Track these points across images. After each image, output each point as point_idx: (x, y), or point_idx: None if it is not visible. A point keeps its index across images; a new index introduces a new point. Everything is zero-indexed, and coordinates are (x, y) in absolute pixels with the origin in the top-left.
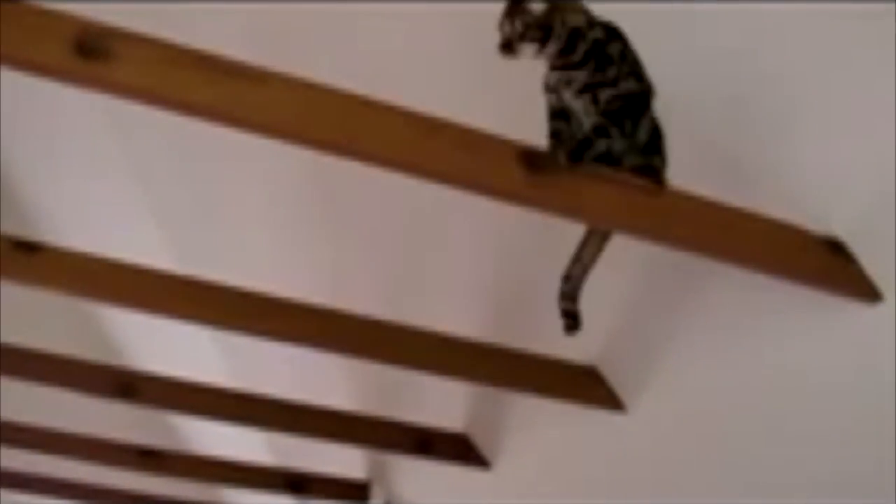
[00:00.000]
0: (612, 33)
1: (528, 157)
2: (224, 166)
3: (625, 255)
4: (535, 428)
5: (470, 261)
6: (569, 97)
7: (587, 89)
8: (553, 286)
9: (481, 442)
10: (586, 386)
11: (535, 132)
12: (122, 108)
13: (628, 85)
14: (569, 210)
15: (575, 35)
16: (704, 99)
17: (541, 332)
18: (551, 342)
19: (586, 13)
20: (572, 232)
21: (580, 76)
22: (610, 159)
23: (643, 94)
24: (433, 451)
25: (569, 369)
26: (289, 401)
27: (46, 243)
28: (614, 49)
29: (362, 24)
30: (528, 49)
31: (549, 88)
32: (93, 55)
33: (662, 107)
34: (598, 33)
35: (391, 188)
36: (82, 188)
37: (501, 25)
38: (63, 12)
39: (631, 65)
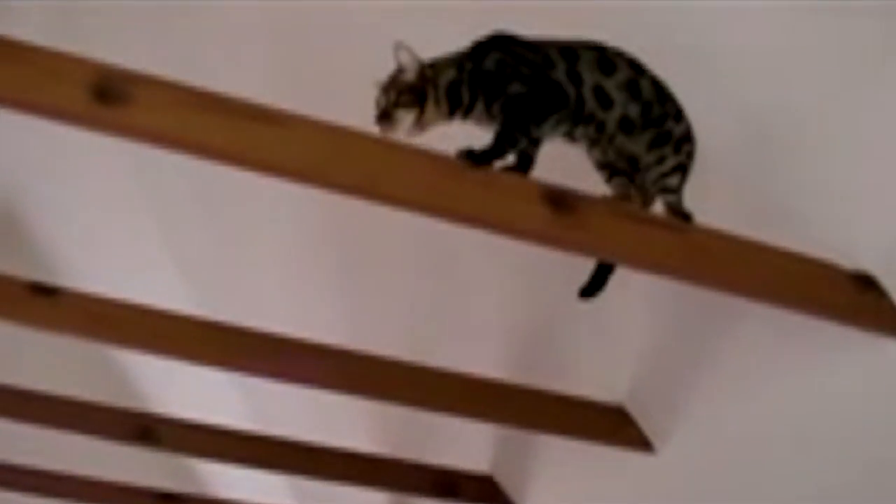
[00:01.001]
0: (480, 51)
1: (553, 197)
2: (243, 208)
3: (652, 292)
4: (563, 469)
5: (494, 301)
6: (489, 128)
7: (488, 112)
8: (578, 325)
9: (508, 484)
10: (615, 426)
11: (557, 172)
12: (141, 150)
13: (514, 88)
14: (595, 249)
15: (454, 87)
16: (731, 137)
17: (567, 371)
18: (578, 382)
19: (456, 60)
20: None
21: (479, 111)
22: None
23: (537, 91)
24: (458, 493)
25: (597, 409)
26: (309, 443)
27: (64, 287)
28: (490, 63)
29: (383, 67)
30: (405, 116)
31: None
32: (111, 99)
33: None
34: (468, 66)
35: (412, 228)
36: (100, 230)
37: (377, 100)
38: (81, 56)
39: (513, 68)
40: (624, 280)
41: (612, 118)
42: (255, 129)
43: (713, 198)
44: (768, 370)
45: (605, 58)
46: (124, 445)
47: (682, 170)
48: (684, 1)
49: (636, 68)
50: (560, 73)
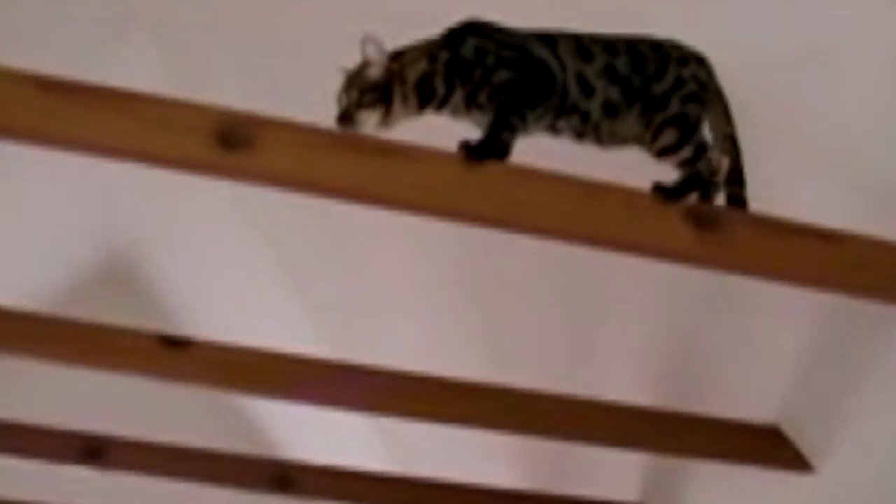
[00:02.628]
0: (455, 39)
1: (696, 215)
2: (368, 245)
3: (801, 304)
4: (718, 495)
5: (636, 325)
6: (467, 119)
7: (468, 104)
8: (727, 344)
9: None
10: (770, 447)
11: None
12: (262, 194)
13: (502, 75)
14: (742, 267)
15: (426, 79)
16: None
17: (716, 393)
18: (728, 404)
19: (426, 49)
20: (742, 285)
21: (455, 102)
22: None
23: (526, 75)
24: None
25: (750, 431)
26: (451, 481)
27: (193, 338)
28: (468, 50)
29: None
30: (368, 117)
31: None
32: (236, 145)
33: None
34: (443, 55)
35: (543, 254)
36: (225, 279)
37: (339, 99)
38: (202, 103)
39: (495, 54)
40: (771, 294)
41: (595, 106)
42: (383, 165)
43: (856, 201)
44: None
45: (582, 45)
46: (262, 495)
47: (677, 123)
48: None
49: (610, 50)
50: (544, 55)
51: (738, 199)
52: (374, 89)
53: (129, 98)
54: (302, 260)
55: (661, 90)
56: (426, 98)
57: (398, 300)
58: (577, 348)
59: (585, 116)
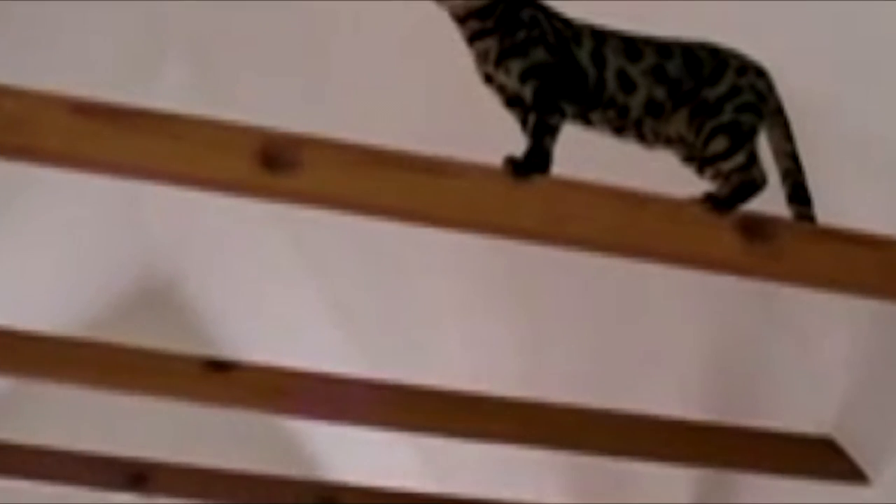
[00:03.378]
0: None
1: (747, 225)
2: (410, 262)
3: (853, 313)
4: None
5: (683, 336)
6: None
7: (496, 60)
8: (778, 354)
9: None
10: (823, 459)
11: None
12: (303, 215)
13: (539, 54)
14: (793, 277)
15: (489, 8)
16: None
17: (768, 405)
18: (781, 415)
19: None
20: (792, 294)
21: (486, 45)
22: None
23: (560, 66)
24: None
25: (802, 443)
26: (494, 499)
27: (237, 361)
28: (525, 14)
29: None
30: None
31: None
32: (279, 166)
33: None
34: (501, 5)
35: (591, 267)
36: (267, 300)
37: None
38: (245, 125)
39: (542, 31)
40: (822, 303)
41: (636, 102)
42: (428, 182)
43: None
44: None
45: (633, 44)
46: None
47: (729, 130)
48: None
49: (663, 52)
50: (584, 53)
51: (805, 218)
52: None
53: (169, 120)
54: (344, 280)
55: (714, 95)
56: (483, 13)
57: (441, 319)
58: (623, 363)
59: (624, 111)
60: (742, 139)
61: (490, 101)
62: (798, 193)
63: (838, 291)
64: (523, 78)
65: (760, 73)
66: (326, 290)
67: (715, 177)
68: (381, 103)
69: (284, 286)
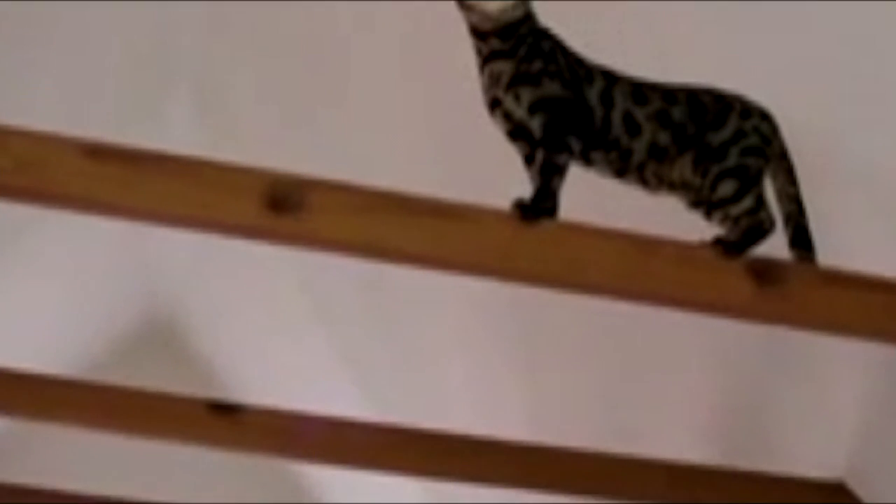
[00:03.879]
0: (538, 31)
1: (757, 269)
2: (419, 307)
3: (866, 357)
4: None
5: (691, 380)
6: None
7: (512, 84)
8: (785, 399)
9: None
10: None
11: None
12: (310, 256)
13: (552, 88)
14: (805, 322)
15: (513, 27)
16: None
17: (776, 448)
18: (792, 459)
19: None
20: (804, 338)
21: (497, 67)
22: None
23: (572, 103)
24: None
25: (813, 488)
26: None
27: (243, 404)
28: (545, 45)
29: None
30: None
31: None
32: (286, 208)
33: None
34: (525, 30)
35: (597, 311)
36: (270, 342)
37: None
38: (251, 166)
39: (557, 65)
40: (834, 347)
41: (640, 146)
42: (437, 226)
43: None
44: None
45: (640, 90)
46: None
47: (736, 174)
48: None
49: (669, 98)
50: (594, 93)
51: (807, 262)
52: None
53: (176, 163)
54: (350, 322)
55: (719, 140)
56: (506, 32)
57: (447, 362)
58: (631, 406)
59: (627, 154)
60: (749, 183)
61: (497, 144)
62: (800, 237)
63: (850, 336)
64: (533, 109)
65: (764, 116)
66: (332, 332)
67: (723, 221)
68: (389, 146)
69: (290, 328)
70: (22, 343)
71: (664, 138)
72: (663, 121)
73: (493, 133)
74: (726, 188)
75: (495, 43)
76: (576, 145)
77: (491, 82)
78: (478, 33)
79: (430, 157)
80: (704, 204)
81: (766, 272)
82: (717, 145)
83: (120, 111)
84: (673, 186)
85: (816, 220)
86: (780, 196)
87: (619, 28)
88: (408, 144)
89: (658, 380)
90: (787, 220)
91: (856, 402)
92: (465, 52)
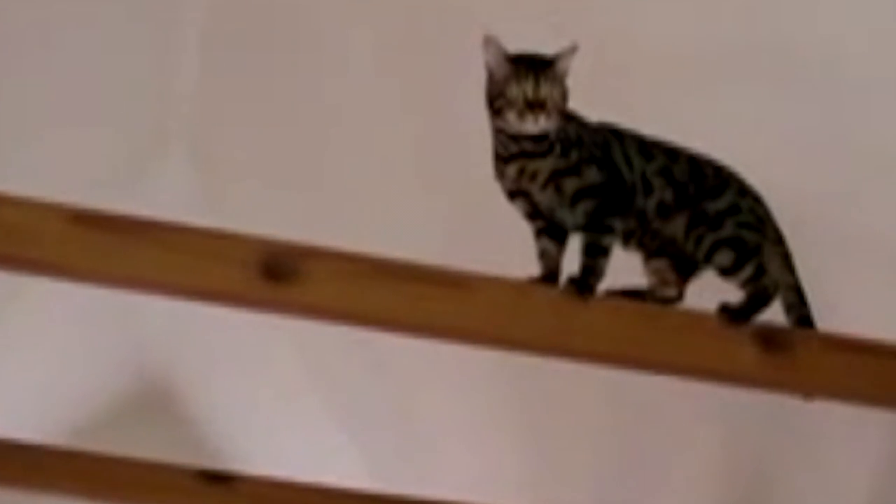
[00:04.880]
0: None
1: (764, 336)
2: (417, 374)
3: (873, 423)
4: None
5: (696, 451)
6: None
7: (551, 178)
8: (791, 464)
9: None
10: None
11: None
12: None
13: (591, 175)
14: (815, 389)
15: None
16: None
17: None
18: None
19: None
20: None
21: (546, 167)
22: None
23: (612, 181)
24: None
25: None
26: None
27: (235, 472)
28: (571, 131)
29: None
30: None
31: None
32: (281, 277)
33: None
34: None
35: (596, 377)
36: (264, 409)
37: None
38: (245, 234)
39: (587, 147)
40: (840, 413)
41: (651, 206)
42: (435, 294)
43: None
44: None
45: (644, 145)
46: None
47: (733, 244)
48: None
49: (671, 155)
50: (619, 158)
51: None
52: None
53: (166, 230)
54: (347, 390)
55: (715, 209)
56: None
57: (447, 431)
58: (633, 476)
59: (642, 216)
60: (747, 254)
61: (498, 213)
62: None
63: (858, 403)
64: (576, 198)
65: (758, 199)
66: (328, 398)
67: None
68: (388, 213)
69: (285, 395)
70: (10, 411)
71: (668, 196)
72: (668, 177)
73: (493, 202)
74: (724, 258)
75: (528, 145)
76: (619, 225)
77: (519, 177)
78: (508, 135)
79: (428, 224)
80: (690, 266)
81: (771, 339)
82: (713, 214)
83: (112, 175)
84: (663, 245)
85: (822, 286)
86: (779, 285)
87: (622, 97)
88: (406, 211)
89: (661, 449)
90: (788, 310)
91: (863, 472)
92: (463, 117)
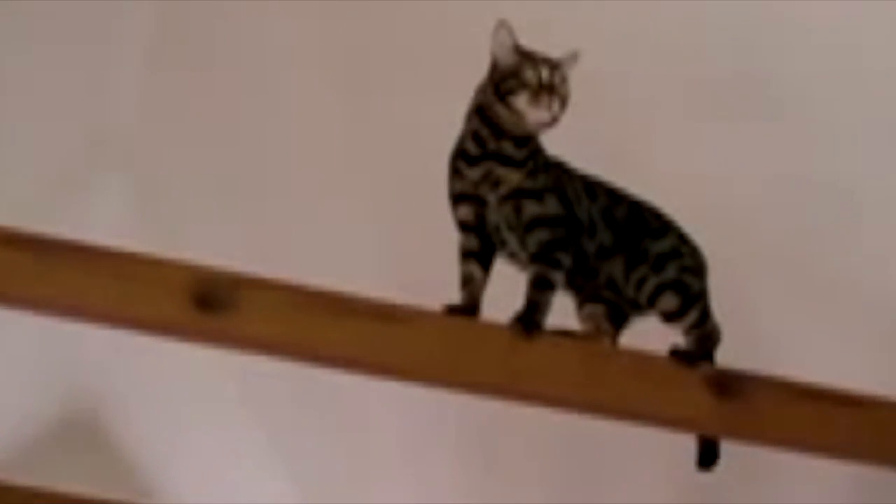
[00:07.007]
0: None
1: (717, 381)
2: (357, 409)
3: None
4: None
5: (646, 496)
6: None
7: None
8: None
9: None
10: None
11: None
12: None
13: (552, 205)
14: (767, 437)
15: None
16: None
17: None
18: None
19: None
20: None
21: (512, 181)
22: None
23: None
24: None
25: None
26: None
27: None
28: (540, 159)
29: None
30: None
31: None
32: (215, 307)
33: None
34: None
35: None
36: (199, 439)
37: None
38: (178, 261)
39: (553, 180)
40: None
41: (592, 248)
42: (375, 329)
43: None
44: None
45: (589, 184)
46: None
47: (678, 288)
48: None
49: (613, 197)
50: (571, 194)
51: None
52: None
53: (98, 255)
54: (282, 420)
55: (657, 250)
56: (526, 139)
57: (387, 468)
58: None
59: (583, 257)
60: (692, 299)
61: (442, 244)
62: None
63: (813, 453)
64: (532, 225)
65: (697, 251)
66: (263, 430)
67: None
68: (330, 242)
69: (218, 424)
70: None
71: (607, 238)
72: (608, 219)
73: (437, 232)
74: (669, 302)
75: (508, 147)
76: (567, 261)
77: (481, 180)
78: (496, 130)
79: (370, 255)
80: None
81: (726, 384)
82: (654, 255)
83: (46, 197)
84: (596, 287)
85: (784, 333)
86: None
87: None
88: (348, 241)
89: (613, 494)
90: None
91: None
92: (411, 149)
